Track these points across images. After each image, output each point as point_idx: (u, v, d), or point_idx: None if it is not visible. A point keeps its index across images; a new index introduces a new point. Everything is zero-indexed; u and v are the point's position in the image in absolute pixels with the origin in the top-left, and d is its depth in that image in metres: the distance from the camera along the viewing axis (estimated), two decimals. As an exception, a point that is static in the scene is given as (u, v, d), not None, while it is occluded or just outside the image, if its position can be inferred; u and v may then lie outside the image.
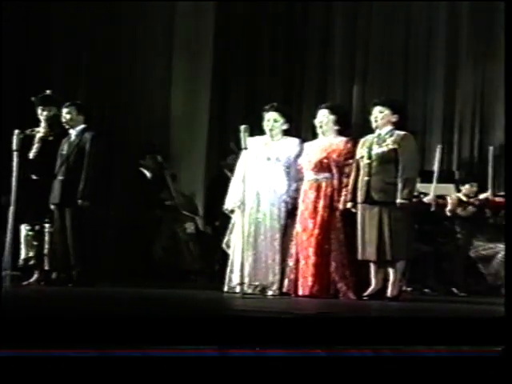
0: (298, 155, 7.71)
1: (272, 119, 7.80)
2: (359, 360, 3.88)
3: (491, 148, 9.96)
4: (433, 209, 9.08)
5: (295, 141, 7.83)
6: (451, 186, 10.10)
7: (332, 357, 3.91)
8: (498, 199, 9.31)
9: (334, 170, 7.55)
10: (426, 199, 8.89)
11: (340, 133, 7.69)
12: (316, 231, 7.47)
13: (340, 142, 7.64)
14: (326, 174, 7.56)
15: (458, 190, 9.77)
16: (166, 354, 3.93)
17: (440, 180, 9.99)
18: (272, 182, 7.68)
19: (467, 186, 9.65)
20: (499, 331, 3.88)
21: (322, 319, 5.07)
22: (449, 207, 9.40)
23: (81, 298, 6.81)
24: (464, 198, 9.51)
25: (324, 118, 7.68)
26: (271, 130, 7.79)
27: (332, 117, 7.68)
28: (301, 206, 7.60)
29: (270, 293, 7.52)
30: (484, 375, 3.72)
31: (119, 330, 4.12)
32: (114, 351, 3.93)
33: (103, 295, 7.27)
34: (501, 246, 8.90)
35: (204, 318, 5.04)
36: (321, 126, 7.69)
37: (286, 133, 7.84)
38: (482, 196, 9.48)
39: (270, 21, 13.07)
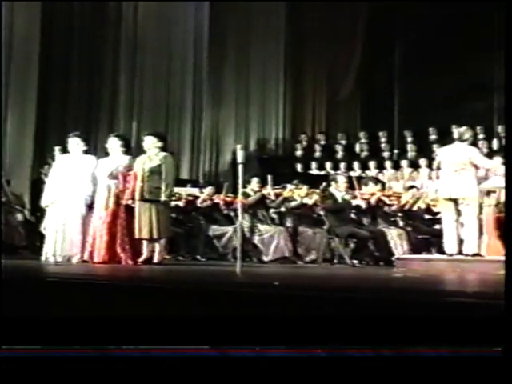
0: (94, 168, 7.60)
1: (74, 143, 7.68)
2: (359, 360, 2.94)
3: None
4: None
5: (91, 157, 7.73)
6: (197, 190, 10.30)
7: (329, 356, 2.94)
8: (227, 199, 9.57)
9: (121, 178, 7.51)
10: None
11: (124, 153, 7.65)
12: (107, 219, 7.42)
13: (125, 159, 7.62)
14: (115, 181, 7.51)
15: (201, 192, 9.97)
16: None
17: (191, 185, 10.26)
18: (75, 186, 7.53)
19: (207, 189, 9.86)
20: (499, 331, 2.85)
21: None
22: (198, 202, 9.61)
23: None
24: (207, 197, 9.69)
25: (113, 143, 7.64)
26: (74, 150, 7.67)
27: (119, 142, 7.64)
28: (97, 202, 7.53)
29: (74, 261, 7.40)
30: (484, 375, 2.85)
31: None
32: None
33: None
34: (228, 228, 9.16)
35: (29, 279, 4.92)
36: (111, 148, 7.64)
37: (85, 152, 7.72)
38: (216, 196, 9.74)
39: (87, 72, 13.07)
